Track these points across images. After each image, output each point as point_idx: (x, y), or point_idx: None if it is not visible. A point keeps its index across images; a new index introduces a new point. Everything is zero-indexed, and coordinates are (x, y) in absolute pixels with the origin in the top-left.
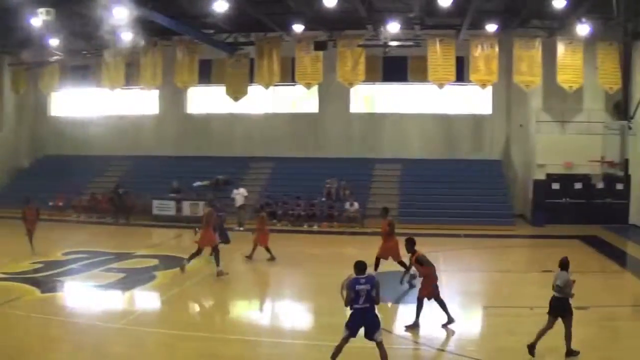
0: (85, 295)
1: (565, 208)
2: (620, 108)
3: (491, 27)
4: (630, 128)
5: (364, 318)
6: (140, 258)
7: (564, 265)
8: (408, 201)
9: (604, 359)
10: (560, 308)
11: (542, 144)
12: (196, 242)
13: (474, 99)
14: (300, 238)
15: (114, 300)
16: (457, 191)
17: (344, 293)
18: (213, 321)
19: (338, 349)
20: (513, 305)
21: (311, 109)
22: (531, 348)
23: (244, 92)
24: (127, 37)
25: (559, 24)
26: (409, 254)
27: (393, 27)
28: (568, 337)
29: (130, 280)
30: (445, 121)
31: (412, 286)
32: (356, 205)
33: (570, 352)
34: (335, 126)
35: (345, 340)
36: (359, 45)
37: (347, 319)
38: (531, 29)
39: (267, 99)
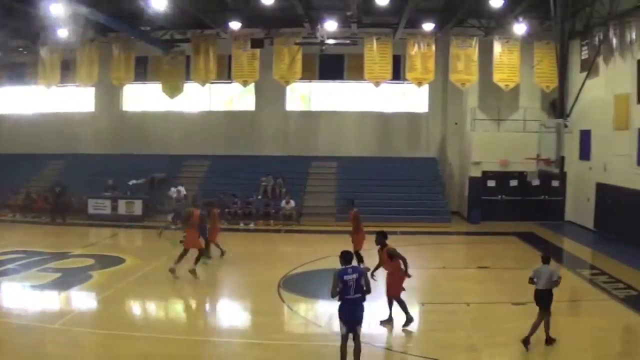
0: (21, 296)
1: (501, 205)
2: (556, 106)
3: (428, 26)
4: (566, 126)
5: (356, 309)
6: (77, 258)
7: (548, 259)
8: (344, 199)
9: (544, 353)
10: (542, 299)
11: (478, 142)
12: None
13: (410, 97)
14: (237, 236)
15: (51, 301)
16: (393, 189)
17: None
18: (150, 321)
19: (343, 351)
20: (450, 301)
21: (247, 106)
22: (549, 340)
23: (180, 90)
24: (63, 34)
25: (496, 23)
26: (379, 247)
27: (330, 25)
28: (535, 326)
29: (67, 280)
30: (381, 119)
31: None
32: (292, 203)
33: (527, 341)
34: (271, 124)
35: (345, 338)
36: (296, 43)
37: (337, 314)
38: (468, 28)
39: (203, 97)
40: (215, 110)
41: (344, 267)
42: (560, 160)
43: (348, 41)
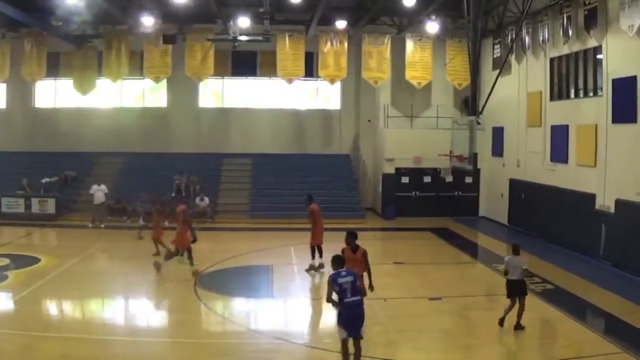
0: None
1: (415, 201)
2: (468, 104)
3: (341, 24)
4: (478, 123)
5: (357, 312)
6: None
7: (518, 250)
8: (259, 196)
9: (462, 346)
10: (520, 289)
11: (391, 139)
12: (172, 242)
13: (323, 95)
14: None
15: None
16: (307, 185)
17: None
18: (69, 321)
19: (345, 355)
20: (367, 297)
21: (160, 103)
22: (501, 321)
23: (92, 86)
24: None
25: (408, 21)
26: (347, 247)
27: (243, 21)
28: (520, 313)
29: None
30: (294, 116)
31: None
32: (206, 200)
33: (519, 326)
34: (184, 121)
35: (345, 342)
36: (208, 40)
37: (337, 319)
38: (381, 26)
39: (115, 93)
40: (127, 107)
41: (336, 270)
42: (473, 157)
43: (261, 38)
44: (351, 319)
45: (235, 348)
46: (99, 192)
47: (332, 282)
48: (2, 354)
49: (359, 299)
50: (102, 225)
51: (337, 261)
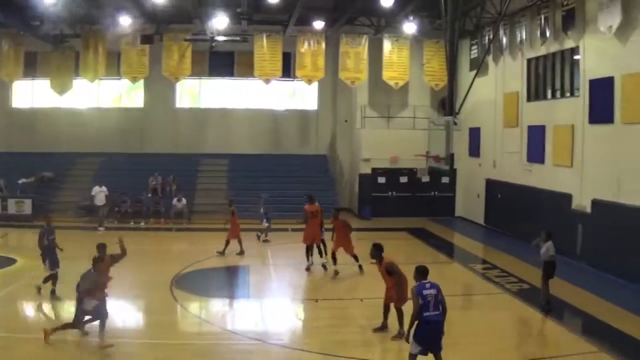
0: None
1: (392, 201)
2: (445, 104)
3: (318, 24)
4: (455, 124)
5: (437, 327)
6: None
7: (550, 236)
8: (236, 196)
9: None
10: (555, 268)
11: (368, 139)
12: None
13: (300, 95)
14: (127, 235)
15: None
16: (284, 186)
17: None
18: (45, 322)
19: None
20: (344, 297)
21: (137, 103)
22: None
23: (69, 86)
24: None
25: (386, 22)
26: (374, 260)
27: (220, 21)
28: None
29: None
30: (271, 116)
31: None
32: (184, 201)
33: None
34: (161, 121)
35: (415, 357)
36: (186, 40)
37: (414, 332)
38: (358, 26)
39: (93, 94)
40: (104, 107)
41: (421, 282)
42: (450, 157)
43: (238, 38)
44: (431, 334)
45: (211, 349)
46: (100, 193)
47: (417, 294)
48: None
49: (439, 313)
50: (102, 228)
51: (421, 272)
